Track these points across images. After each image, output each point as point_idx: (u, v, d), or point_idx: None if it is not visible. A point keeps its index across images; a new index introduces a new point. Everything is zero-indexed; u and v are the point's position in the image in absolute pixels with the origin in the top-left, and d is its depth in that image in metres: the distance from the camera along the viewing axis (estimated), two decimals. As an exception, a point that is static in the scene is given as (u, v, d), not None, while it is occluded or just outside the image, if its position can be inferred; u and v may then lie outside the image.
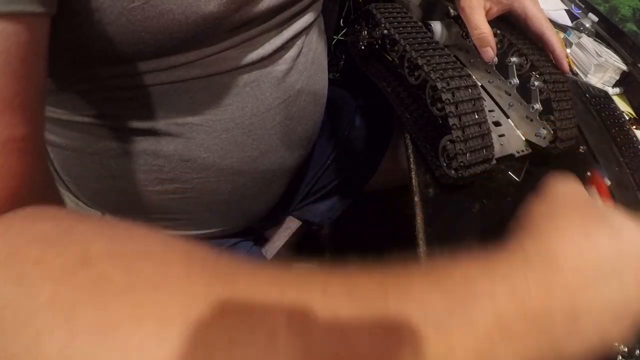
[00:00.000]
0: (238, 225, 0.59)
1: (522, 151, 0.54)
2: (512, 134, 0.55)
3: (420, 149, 0.49)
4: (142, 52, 0.34)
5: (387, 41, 0.52)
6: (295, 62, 0.47)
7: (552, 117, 0.52)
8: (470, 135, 0.43)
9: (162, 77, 0.37)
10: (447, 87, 0.42)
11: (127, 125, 0.41)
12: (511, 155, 0.53)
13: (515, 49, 0.55)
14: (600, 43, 0.92)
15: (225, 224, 0.57)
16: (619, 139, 0.72)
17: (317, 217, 0.79)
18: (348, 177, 0.76)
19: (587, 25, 0.95)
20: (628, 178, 0.66)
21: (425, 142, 0.49)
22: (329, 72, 1.48)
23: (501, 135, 0.54)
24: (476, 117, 0.43)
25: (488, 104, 0.57)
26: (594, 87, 0.83)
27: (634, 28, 0.90)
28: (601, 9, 0.99)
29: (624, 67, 0.86)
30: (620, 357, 0.31)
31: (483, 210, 0.48)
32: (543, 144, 0.53)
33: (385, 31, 0.51)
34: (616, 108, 0.80)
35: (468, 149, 0.43)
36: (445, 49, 0.48)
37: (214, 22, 0.34)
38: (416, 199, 0.45)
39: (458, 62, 0.46)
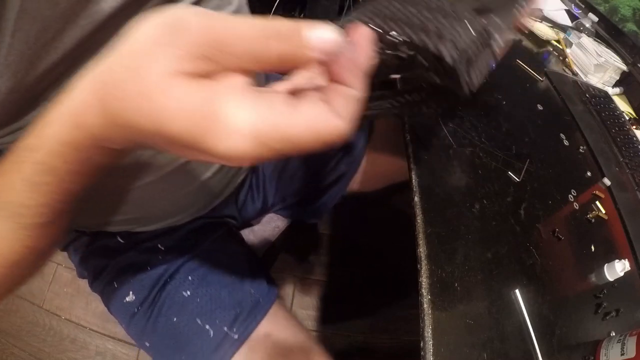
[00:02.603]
0: (202, 206, 0.58)
1: None
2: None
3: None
4: None
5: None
6: None
7: None
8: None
9: None
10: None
11: None
12: None
13: None
14: (600, 43, 0.92)
15: (184, 209, 0.57)
16: (619, 139, 0.72)
17: (307, 216, 0.79)
18: (330, 177, 0.75)
19: (587, 25, 0.95)
20: (628, 178, 0.66)
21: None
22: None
23: None
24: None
25: None
26: (594, 87, 0.83)
27: (634, 28, 0.90)
28: (601, 9, 0.99)
29: (624, 67, 0.86)
30: None
31: (483, 210, 0.48)
32: None
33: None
34: (616, 108, 0.80)
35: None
36: None
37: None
38: (416, 199, 0.45)
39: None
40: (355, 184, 0.80)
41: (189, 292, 0.54)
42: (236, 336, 0.52)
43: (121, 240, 0.57)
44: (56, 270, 1.11)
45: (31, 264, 0.30)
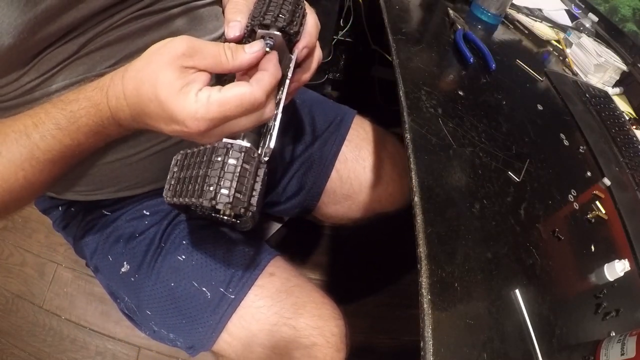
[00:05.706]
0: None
1: None
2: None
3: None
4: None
5: None
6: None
7: None
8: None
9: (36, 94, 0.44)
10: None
11: None
12: None
13: None
14: (600, 43, 0.92)
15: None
16: (619, 139, 0.72)
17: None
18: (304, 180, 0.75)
19: (587, 25, 0.95)
20: (628, 178, 0.66)
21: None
22: (329, 72, 1.47)
23: None
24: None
25: None
26: (594, 87, 0.83)
27: (634, 28, 0.90)
28: (601, 9, 0.99)
29: (624, 67, 0.86)
30: None
31: (483, 210, 0.48)
32: None
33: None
34: (616, 108, 0.80)
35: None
36: None
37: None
38: (416, 199, 0.45)
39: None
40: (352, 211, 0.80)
41: (184, 257, 0.55)
42: (233, 296, 0.53)
43: (107, 213, 0.58)
44: (56, 270, 1.11)
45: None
